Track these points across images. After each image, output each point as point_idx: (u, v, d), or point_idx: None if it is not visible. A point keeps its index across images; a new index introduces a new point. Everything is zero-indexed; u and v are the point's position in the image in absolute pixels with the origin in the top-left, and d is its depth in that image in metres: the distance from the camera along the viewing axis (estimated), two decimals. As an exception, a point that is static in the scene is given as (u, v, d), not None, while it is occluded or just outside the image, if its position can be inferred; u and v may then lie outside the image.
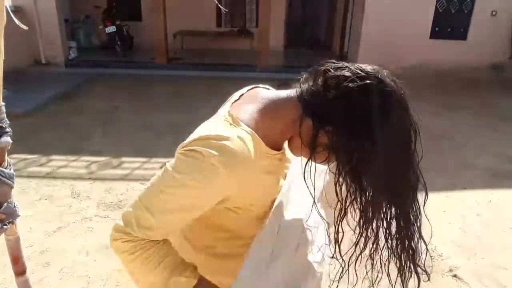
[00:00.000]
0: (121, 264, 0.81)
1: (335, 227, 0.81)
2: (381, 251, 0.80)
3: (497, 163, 4.01)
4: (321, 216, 0.87)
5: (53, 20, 7.36)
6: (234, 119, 0.79)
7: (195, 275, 0.83)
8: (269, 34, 7.74)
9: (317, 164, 0.82)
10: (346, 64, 0.77)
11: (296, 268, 0.86)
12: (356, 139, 0.72)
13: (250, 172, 0.76)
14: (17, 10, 6.81)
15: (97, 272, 2.27)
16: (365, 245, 0.79)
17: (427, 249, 0.80)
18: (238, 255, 0.87)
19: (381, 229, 0.78)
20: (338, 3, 9.94)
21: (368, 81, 0.72)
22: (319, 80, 0.78)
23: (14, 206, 1.02)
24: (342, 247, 0.82)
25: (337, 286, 0.84)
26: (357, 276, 0.82)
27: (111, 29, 8.20)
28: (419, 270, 0.81)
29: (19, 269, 1.15)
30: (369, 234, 0.78)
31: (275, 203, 0.90)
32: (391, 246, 0.80)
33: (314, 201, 0.82)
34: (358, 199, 0.76)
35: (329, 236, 0.90)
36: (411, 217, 0.78)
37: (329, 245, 0.87)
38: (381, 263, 0.81)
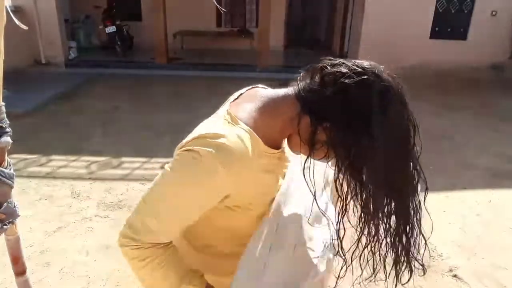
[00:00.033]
0: (131, 271, 0.82)
1: (337, 224, 0.81)
2: (381, 245, 0.80)
3: (497, 163, 4.01)
4: (322, 212, 0.87)
5: (53, 20, 7.36)
6: (233, 117, 0.79)
7: (201, 281, 0.85)
8: (269, 34, 7.74)
9: (318, 162, 0.83)
10: (342, 60, 0.78)
11: (296, 269, 0.86)
12: (354, 134, 0.73)
13: (248, 169, 0.76)
14: (17, 10, 6.80)
15: (97, 272, 2.27)
16: (369, 242, 0.79)
17: (425, 244, 0.80)
18: (238, 255, 0.87)
19: (381, 224, 0.78)
20: (338, 3, 9.94)
21: (365, 77, 0.72)
22: (316, 77, 0.78)
23: (14, 206, 1.02)
24: (344, 243, 0.82)
25: (338, 282, 0.85)
26: (361, 269, 0.82)
27: (111, 29, 8.20)
28: (416, 264, 0.82)
29: (19, 269, 1.15)
30: (370, 230, 0.78)
31: (274, 202, 0.90)
32: (390, 240, 0.80)
33: (314, 198, 0.82)
34: (359, 195, 0.76)
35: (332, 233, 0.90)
36: (411, 211, 0.78)
37: (332, 241, 0.87)
38: (379, 257, 0.81)
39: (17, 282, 1.17)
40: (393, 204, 0.77)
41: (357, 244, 0.80)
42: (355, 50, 8.19)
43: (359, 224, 0.78)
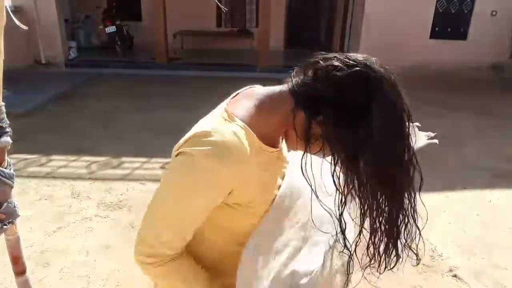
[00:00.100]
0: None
1: (337, 218, 0.81)
2: (380, 236, 0.80)
3: (497, 163, 4.01)
4: (325, 208, 0.86)
5: (53, 20, 7.37)
6: (229, 114, 0.79)
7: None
8: (269, 34, 7.75)
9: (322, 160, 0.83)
10: (335, 54, 0.78)
11: (298, 269, 0.86)
12: (348, 127, 0.73)
13: (246, 164, 0.76)
14: (17, 10, 6.81)
15: (97, 272, 2.27)
16: (371, 235, 0.79)
17: (420, 234, 0.80)
18: (238, 255, 0.87)
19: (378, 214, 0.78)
20: (338, 3, 9.95)
21: (357, 69, 0.73)
22: (309, 72, 0.79)
23: (14, 206, 1.02)
24: (358, 250, 0.82)
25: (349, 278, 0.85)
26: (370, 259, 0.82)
27: (111, 29, 8.21)
28: (410, 254, 0.82)
29: (19, 269, 1.15)
30: (371, 223, 0.78)
31: (275, 202, 0.90)
32: (384, 227, 0.79)
33: (316, 194, 0.82)
34: (356, 188, 0.76)
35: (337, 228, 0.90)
36: (405, 200, 0.78)
37: (337, 239, 0.87)
38: (374, 247, 0.81)
39: (17, 282, 1.17)
40: (389, 193, 0.77)
41: (359, 237, 0.80)
42: (355, 50, 8.18)
43: (358, 217, 0.79)
